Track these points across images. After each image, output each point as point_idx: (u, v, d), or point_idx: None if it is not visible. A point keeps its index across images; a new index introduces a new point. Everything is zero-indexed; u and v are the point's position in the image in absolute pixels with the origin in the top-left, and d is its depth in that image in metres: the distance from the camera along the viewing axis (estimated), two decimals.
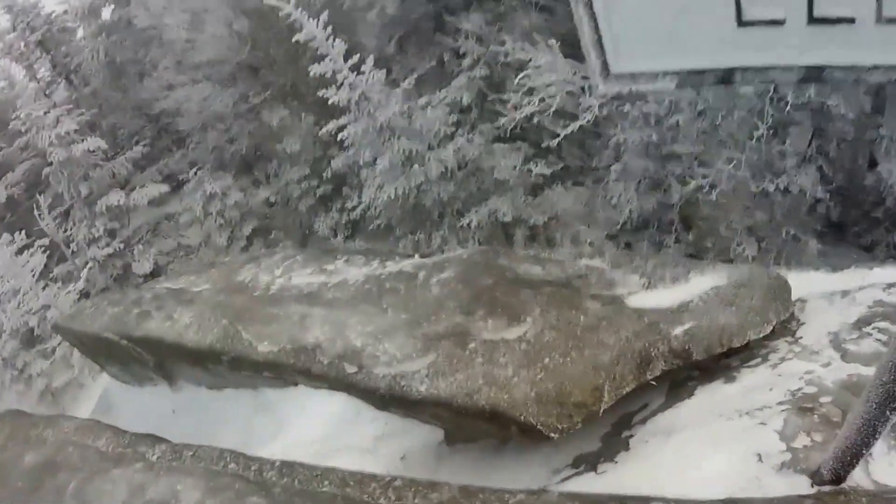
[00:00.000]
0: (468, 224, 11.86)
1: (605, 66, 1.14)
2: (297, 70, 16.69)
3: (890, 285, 5.56)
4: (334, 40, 11.14)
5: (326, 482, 4.33)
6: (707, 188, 10.53)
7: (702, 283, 5.66)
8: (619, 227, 11.77)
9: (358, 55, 11.51)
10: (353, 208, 14.02)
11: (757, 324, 5.18)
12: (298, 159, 17.07)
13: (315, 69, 11.39)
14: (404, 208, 12.50)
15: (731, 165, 10.05)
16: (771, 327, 5.23)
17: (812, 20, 0.99)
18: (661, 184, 11.68)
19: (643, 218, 11.92)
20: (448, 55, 13.81)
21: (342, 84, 11.55)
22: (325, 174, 15.62)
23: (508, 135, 11.80)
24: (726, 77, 1.06)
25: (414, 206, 12.37)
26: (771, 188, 10.72)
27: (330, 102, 11.76)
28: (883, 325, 4.82)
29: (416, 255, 7.21)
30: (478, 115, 13.71)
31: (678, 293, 5.58)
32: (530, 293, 5.56)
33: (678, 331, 5.08)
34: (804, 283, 6.42)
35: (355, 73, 11.50)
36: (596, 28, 1.07)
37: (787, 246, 11.48)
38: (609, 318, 5.19)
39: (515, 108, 11.11)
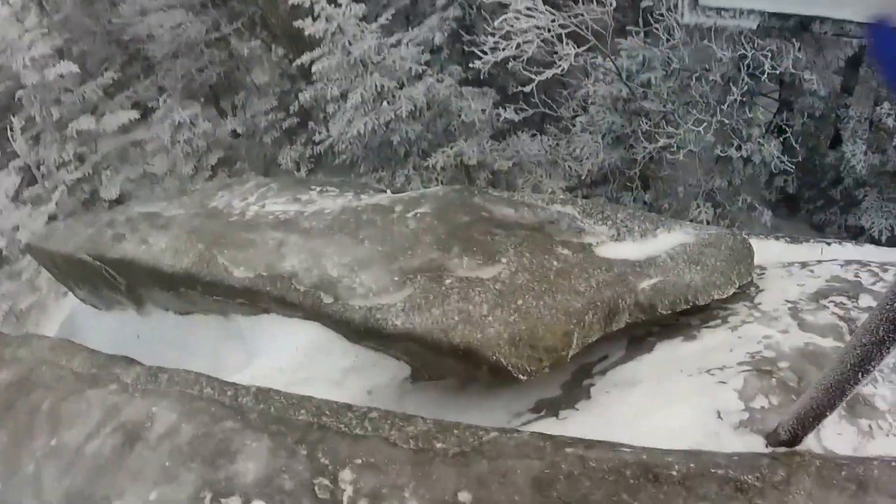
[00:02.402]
0: (433, 165, 11.88)
1: None
2: (270, 1, 16.42)
3: (847, 262, 5.68)
4: None
5: (303, 410, 4.37)
6: (674, 148, 10.67)
7: (669, 239, 5.74)
8: (579, 179, 11.89)
9: None
10: (320, 142, 13.95)
11: (721, 284, 5.28)
12: (266, 91, 16.99)
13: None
14: (371, 145, 12.46)
15: (702, 127, 10.18)
16: (733, 289, 5.33)
17: None
18: (626, 140, 11.82)
19: (604, 172, 12.06)
20: None
21: (319, 16, 11.38)
22: (291, 107, 15.55)
23: (482, 76, 11.78)
24: (806, 24, 1.16)
25: (381, 144, 12.34)
26: (735, 155, 10.91)
27: (306, 34, 11.60)
28: (840, 299, 4.94)
29: (388, 191, 7.21)
30: (448, 56, 13.66)
31: (646, 247, 5.66)
32: (504, 234, 5.61)
33: (645, 284, 5.18)
34: (763, 250, 6.53)
35: (332, 4, 11.33)
36: None
37: (742, 214, 11.74)
38: (580, 266, 5.28)
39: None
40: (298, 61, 12.68)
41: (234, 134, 17.99)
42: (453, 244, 5.54)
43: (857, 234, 13.00)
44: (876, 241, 11.97)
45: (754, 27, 1.14)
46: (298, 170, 16.12)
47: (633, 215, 6.07)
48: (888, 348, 2.29)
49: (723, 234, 5.94)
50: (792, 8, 1.11)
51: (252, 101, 17.33)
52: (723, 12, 1.14)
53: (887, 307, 2.10)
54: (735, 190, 11.78)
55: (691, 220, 11.02)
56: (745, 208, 11.79)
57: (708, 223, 11.04)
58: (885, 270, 5.44)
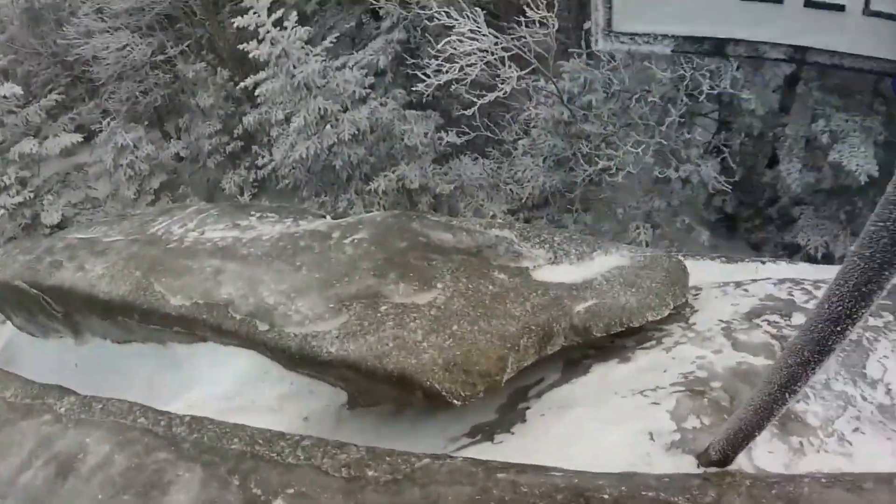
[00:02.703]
0: (375, 189, 11.89)
1: (609, 22, 1.18)
2: (216, 23, 16.37)
3: (781, 280, 5.80)
4: None
5: (236, 439, 4.34)
6: (614, 170, 10.82)
7: (606, 261, 5.83)
8: (521, 202, 11.99)
9: (282, 10, 11.36)
10: (263, 167, 13.89)
11: (655, 306, 5.36)
12: (211, 114, 16.89)
13: (239, 21, 11.23)
14: (314, 169, 12.44)
15: (641, 149, 10.35)
16: (668, 311, 5.41)
17: (808, 3, 1.08)
18: (566, 162, 11.95)
19: (545, 195, 12.18)
20: (367, 17, 13.76)
21: (264, 39, 11.38)
22: (236, 131, 15.48)
23: (424, 100, 11.83)
24: (720, 47, 1.18)
25: (324, 168, 12.33)
26: (673, 176, 11.10)
27: (251, 56, 11.58)
28: (773, 318, 5.05)
29: (328, 217, 7.20)
30: (392, 80, 13.71)
31: (582, 270, 5.74)
32: (441, 259, 5.65)
33: (580, 307, 5.24)
34: (699, 271, 6.64)
35: (278, 28, 11.34)
36: None
37: (681, 234, 11.93)
38: (516, 290, 5.33)
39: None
40: (243, 84, 12.62)
41: (178, 157, 17.84)
42: (390, 270, 5.56)
43: (793, 252, 13.29)
44: (812, 259, 12.25)
45: (668, 52, 1.19)
46: (242, 194, 16.02)
47: (571, 238, 6.15)
48: (814, 369, 2.33)
49: (658, 256, 6.04)
50: (709, 31, 1.14)
51: (196, 124, 17.22)
52: (636, 38, 1.17)
53: (812, 328, 2.12)
54: (674, 211, 11.96)
55: (631, 242, 11.21)
56: (684, 229, 11.98)
57: (647, 244, 11.22)
58: (818, 288, 5.56)
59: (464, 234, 6.04)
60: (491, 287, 5.35)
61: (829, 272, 6.90)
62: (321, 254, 5.98)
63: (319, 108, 11.45)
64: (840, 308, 1.81)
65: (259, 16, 11.15)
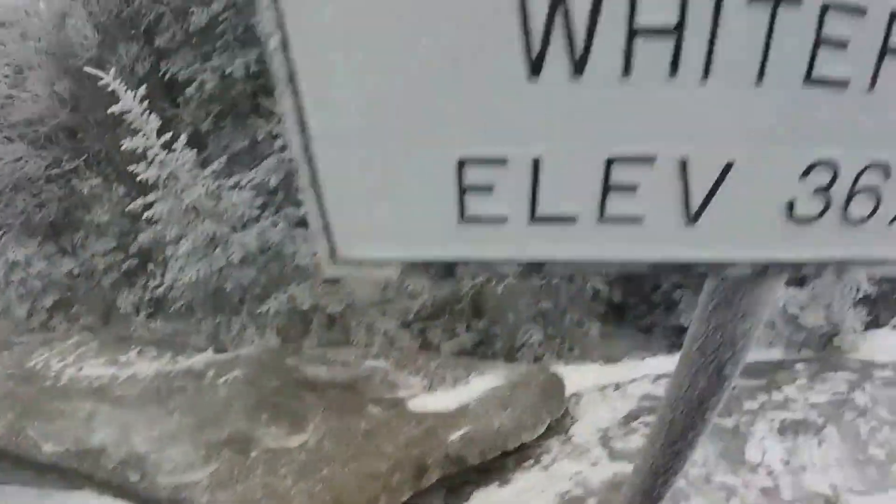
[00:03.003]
0: (266, 311, 11.83)
1: (332, 251, 1.13)
2: (114, 139, 16.28)
3: (658, 377, 6.05)
4: (150, 115, 10.90)
5: None
6: (494, 281, 11.08)
7: (481, 383, 5.99)
8: (413, 315, 12.11)
9: (171, 132, 11.36)
10: (157, 287, 13.66)
11: (531, 426, 5.52)
12: (106, 231, 16.51)
13: (127, 144, 11.04)
14: (205, 291, 12.30)
15: None
16: (544, 427, 5.56)
17: (534, 218, 1.03)
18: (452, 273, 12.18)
19: (436, 307, 12.35)
20: (262, 135, 13.91)
21: (153, 161, 11.33)
22: (131, 248, 15.20)
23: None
24: (449, 269, 1.12)
25: (215, 290, 12.19)
26: (555, 279, 11.45)
27: (138, 179, 11.52)
28: (650, 419, 5.20)
29: (211, 349, 7.20)
30: (283, 198, 13.79)
31: (458, 395, 5.88)
32: (314, 397, 5.72)
33: (455, 436, 5.35)
34: (580, 376, 6.83)
35: (167, 150, 11.30)
36: (324, 215, 1.08)
37: (571, 331, 12.24)
38: (389, 424, 5.42)
39: None
40: (131, 206, 12.51)
41: (72, 275, 17.41)
42: (262, 411, 5.59)
43: (680, 333, 13.79)
44: None
45: (396, 276, 1.13)
46: (137, 314, 15.60)
47: (447, 363, 6.31)
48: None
49: (533, 371, 6.25)
50: (436, 254, 1.11)
51: (92, 241, 16.84)
52: (363, 264, 1.14)
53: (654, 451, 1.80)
54: (562, 309, 12.29)
55: (523, 345, 11.45)
56: (574, 325, 12.28)
57: (539, 344, 11.45)
58: None
59: (339, 367, 6.14)
60: (363, 424, 5.42)
61: None
62: (195, 395, 5.98)
63: (208, 232, 11.42)
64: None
65: (148, 138, 11.11)
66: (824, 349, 7.13)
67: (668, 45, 0.85)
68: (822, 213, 1.05)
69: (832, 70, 0.92)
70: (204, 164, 12.21)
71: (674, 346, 12.93)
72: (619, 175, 0.96)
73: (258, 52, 14.50)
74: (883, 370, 5.72)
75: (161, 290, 13.21)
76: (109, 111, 11.38)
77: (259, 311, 11.76)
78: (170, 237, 12.32)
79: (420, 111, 0.90)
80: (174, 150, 11.31)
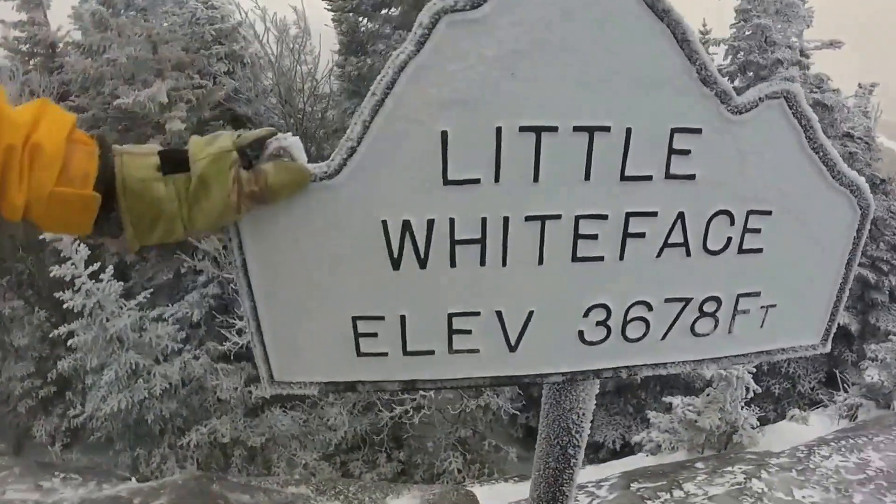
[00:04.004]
0: (188, 443, 11.83)
1: (271, 376, 1.54)
2: (39, 263, 16.23)
3: None
4: (79, 244, 11.08)
5: None
6: (411, 412, 11.48)
7: None
8: (334, 447, 12.30)
9: (99, 263, 11.51)
10: (75, 416, 13.46)
11: None
12: (25, 355, 16.22)
13: (56, 271, 11.27)
14: (126, 422, 12.24)
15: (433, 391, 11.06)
16: None
17: (406, 353, 1.51)
18: (372, 407, 12.50)
19: (357, 439, 12.61)
20: (185, 269, 14.12)
21: (79, 289, 11.43)
22: (49, 375, 14.95)
23: (232, 356, 12.19)
24: (352, 387, 1.56)
25: (136, 421, 12.16)
26: (472, 405, 11.87)
27: (64, 307, 11.59)
28: None
29: (134, 478, 7.27)
30: (205, 333, 13.90)
31: None
32: None
33: None
34: (495, 493, 7.14)
35: (94, 280, 11.45)
36: (265, 352, 1.50)
37: (490, 455, 12.61)
38: None
39: None
40: (55, 332, 12.49)
41: None
42: None
43: (597, 449, 14.44)
44: (614, 451, 13.36)
45: (316, 393, 1.57)
46: (53, 444, 15.21)
47: (365, 487, 6.60)
48: None
49: (446, 491, 6.54)
50: (341, 377, 1.59)
51: (9, 365, 16.41)
52: (293, 385, 1.56)
53: None
54: (481, 436, 12.67)
55: (444, 471, 11.77)
56: (492, 450, 12.64)
57: (459, 471, 11.74)
58: (600, 487, 6.24)
59: (261, 495, 6.35)
60: None
61: (610, 469, 7.67)
62: None
63: (131, 363, 11.52)
64: None
65: (77, 267, 11.26)
66: (726, 447, 7.73)
67: (476, 248, 1.42)
68: (605, 338, 1.61)
69: (589, 252, 1.45)
70: (128, 295, 12.41)
71: (591, 462, 13.46)
72: (458, 324, 1.52)
73: None
74: (779, 458, 6.22)
75: (80, 419, 13.05)
76: (41, 237, 11.58)
77: (180, 443, 11.78)
78: (90, 366, 12.30)
79: (330, 290, 1.45)
80: (101, 280, 11.50)
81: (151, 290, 13.18)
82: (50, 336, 14.53)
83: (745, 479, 5.76)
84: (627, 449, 12.67)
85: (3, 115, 0.98)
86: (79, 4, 15.63)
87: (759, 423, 7.77)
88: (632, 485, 6.16)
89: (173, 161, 1.14)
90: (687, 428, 7.96)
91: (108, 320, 11.60)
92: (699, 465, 6.66)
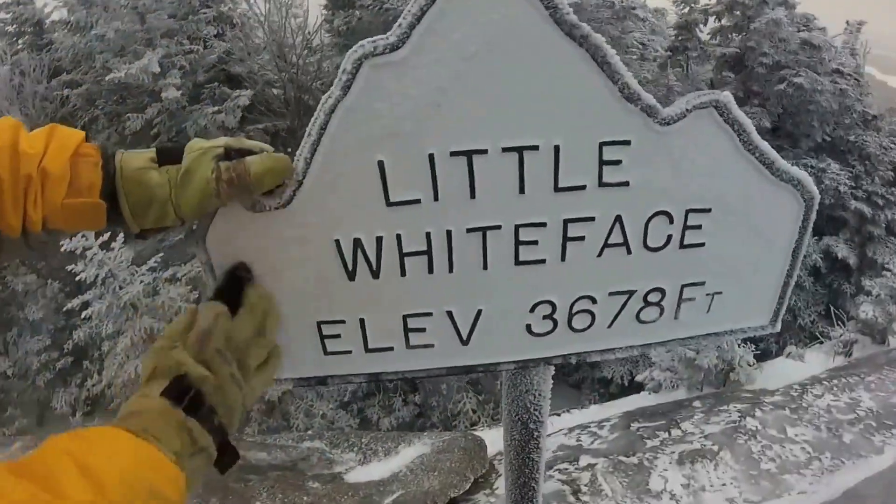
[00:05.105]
0: None
1: None
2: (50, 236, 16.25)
3: (571, 429, 6.56)
4: None
5: None
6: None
7: (410, 453, 6.52)
8: (350, 395, 12.51)
9: (108, 232, 11.55)
10: (94, 385, 13.65)
11: (456, 483, 5.99)
12: (40, 328, 16.33)
13: (66, 245, 11.32)
14: None
15: None
16: (469, 483, 5.99)
17: (367, 350, 1.65)
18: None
19: (371, 385, 12.81)
20: (197, 225, 14.15)
21: (91, 260, 11.53)
22: (66, 346, 15.04)
23: None
24: (323, 381, 1.70)
25: None
26: None
27: (77, 279, 11.70)
28: (563, 466, 5.69)
29: None
30: None
31: (389, 465, 6.39)
32: (258, 479, 6.15)
33: (389, 500, 5.85)
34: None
35: (104, 249, 11.56)
36: None
37: (500, 395, 12.84)
38: (329, 496, 5.89)
39: None
40: (69, 304, 12.65)
41: (5, 375, 17.19)
42: (210, 495, 5.99)
43: (607, 384, 14.77)
44: (623, 386, 13.70)
45: (291, 387, 1.75)
46: (74, 415, 15.47)
47: (377, 437, 6.84)
48: None
49: (456, 437, 6.77)
50: (313, 373, 1.72)
51: (25, 339, 16.60)
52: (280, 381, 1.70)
53: (509, 487, 2.32)
54: (493, 375, 12.88)
55: (459, 412, 12.01)
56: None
57: (473, 411, 12.00)
58: (602, 427, 6.40)
59: (278, 451, 6.60)
60: (306, 498, 5.88)
61: (613, 408, 7.87)
62: None
63: (146, 328, 11.71)
64: None
65: (87, 239, 11.31)
66: (724, 385, 7.91)
67: (424, 259, 1.53)
68: (553, 330, 1.71)
69: (531, 256, 1.53)
70: (139, 258, 12.52)
71: (602, 397, 13.75)
72: (413, 323, 1.64)
73: None
74: (773, 396, 6.36)
75: (98, 388, 13.31)
76: None
77: None
78: (105, 334, 12.47)
79: (294, 299, 1.57)
80: (112, 249, 11.60)
81: (162, 253, 13.25)
82: (64, 308, 14.71)
83: (739, 417, 5.92)
84: (632, 385, 12.94)
85: (21, 152, 1.18)
86: None
87: (756, 361, 7.91)
88: (632, 425, 6.34)
89: (168, 155, 1.31)
90: (687, 367, 8.12)
91: (121, 288, 11.71)
92: (697, 403, 6.82)
